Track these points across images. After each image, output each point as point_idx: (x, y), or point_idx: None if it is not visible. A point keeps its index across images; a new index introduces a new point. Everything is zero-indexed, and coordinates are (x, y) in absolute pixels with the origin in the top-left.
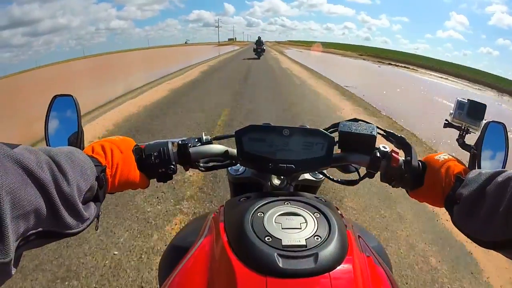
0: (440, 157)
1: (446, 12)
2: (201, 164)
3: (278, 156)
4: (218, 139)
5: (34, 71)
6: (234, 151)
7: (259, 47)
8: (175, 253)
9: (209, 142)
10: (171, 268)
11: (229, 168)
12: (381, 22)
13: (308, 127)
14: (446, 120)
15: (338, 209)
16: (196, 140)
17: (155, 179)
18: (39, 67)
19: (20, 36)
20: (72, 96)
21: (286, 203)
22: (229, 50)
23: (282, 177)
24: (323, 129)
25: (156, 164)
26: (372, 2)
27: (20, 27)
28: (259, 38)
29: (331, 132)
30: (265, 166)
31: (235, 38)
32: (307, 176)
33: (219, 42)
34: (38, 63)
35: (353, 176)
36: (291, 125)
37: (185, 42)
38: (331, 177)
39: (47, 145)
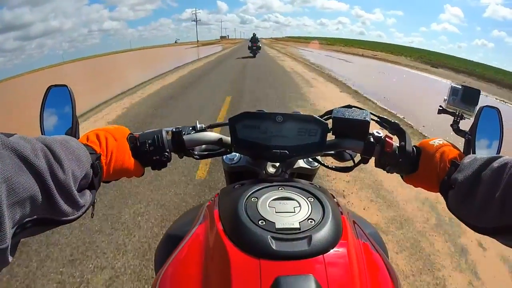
0: (435, 142)
1: (441, 5)
2: (196, 152)
3: (272, 142)
4: (212, 127)
5: None
6: (228, 138)
7: (254, 45)
8: (171, 242)
9: (203, 130)
10: (167, 257)
11: (224, 157)
12: (375, 16)
13: (302, 113)
14: (440, 106)
15: (334, 197)
16: (190, 128)
17: (149, 167)
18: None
19: (12, 41)
20: (67, 86)
21: (280, 188)
22: (211, 52)
23: (277, 164)
24: (317, 116)
25: (150, 152)
26: None
27: (11, 32)
28: (254, 35)
29: (325, 119)
30: (259, 152)
31: (228, 35)
32: (302, 164)
33: (197, 41)
34: (20, 70)
35: (348, 164)
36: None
37: (175, 42)
38: (325, 164)
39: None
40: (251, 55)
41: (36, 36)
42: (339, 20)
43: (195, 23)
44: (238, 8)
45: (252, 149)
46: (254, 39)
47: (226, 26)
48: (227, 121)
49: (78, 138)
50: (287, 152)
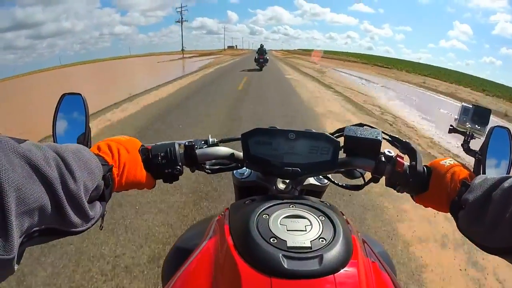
0: (445, 162)
1: (450, 22)
2: (207, 166)
3: (284, 159)
4: (224, 141)
5: None
6: (240, 154)
7: (261, 57)
8: (179, 255)
9: (215, 144)
10: (175, 270)
11: (234, 172)
12: (384, 31)
13: (314, 131)
14: (451, 125)
15: (343, 214)
16: (203, 142)
17: (161, 180)
18: None
19: (23, 39)
20: (80, 95)
21: (291, 206)
22: (195, 68)
23: (287, 181)
24: (329, 134)
25: (162, 165)
26: (375, 11)
27: (23, 30)
28: (262, 46)
29: (336, 137)
30: (271, 169)
31: (236, 45)
32: (312, 181)
33: (183, 50)
34: (30, 68)
35: (358, 181)
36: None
37: (182, 50)
38: (335, 181)
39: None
40: (257, 67)
41: (48, 36)
42: (348, 35)
43: (204, 31)
44: (248, 19)
45: (264, 165)
46: (261, 51)
47: (235, 36)
48: (240, 137)
49: (90, 147)
50: (299, 170)
